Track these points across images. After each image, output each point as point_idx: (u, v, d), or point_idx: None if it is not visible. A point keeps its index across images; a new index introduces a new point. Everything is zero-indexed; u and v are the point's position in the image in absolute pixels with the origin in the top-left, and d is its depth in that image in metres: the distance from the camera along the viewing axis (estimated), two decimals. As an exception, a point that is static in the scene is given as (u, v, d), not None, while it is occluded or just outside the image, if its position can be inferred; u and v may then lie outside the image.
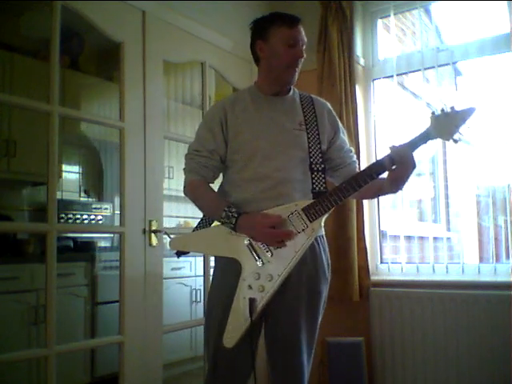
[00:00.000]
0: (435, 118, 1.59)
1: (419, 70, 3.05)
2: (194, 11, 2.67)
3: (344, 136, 1.87)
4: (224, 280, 1.71)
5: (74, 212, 3.73)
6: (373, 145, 3.20)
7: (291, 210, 1.63)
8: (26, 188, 3.55)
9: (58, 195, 3.63)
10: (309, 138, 1.74)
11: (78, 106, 3.44)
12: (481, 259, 4.19)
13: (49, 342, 1.99)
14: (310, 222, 1.62)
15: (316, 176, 1.72)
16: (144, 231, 2.36)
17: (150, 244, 2.37)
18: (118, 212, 2.41)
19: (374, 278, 2.97)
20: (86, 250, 3.53)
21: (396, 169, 1.65)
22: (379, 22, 3.29)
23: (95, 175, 4.15)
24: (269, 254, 1.62)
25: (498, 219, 4.06)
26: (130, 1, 2.36)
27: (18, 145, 3.22)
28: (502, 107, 3.24)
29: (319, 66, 3.03)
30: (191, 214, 4.10)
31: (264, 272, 1.60)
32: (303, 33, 1.77)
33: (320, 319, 1.78)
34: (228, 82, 2.96)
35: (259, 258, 1.62)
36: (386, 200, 3.30)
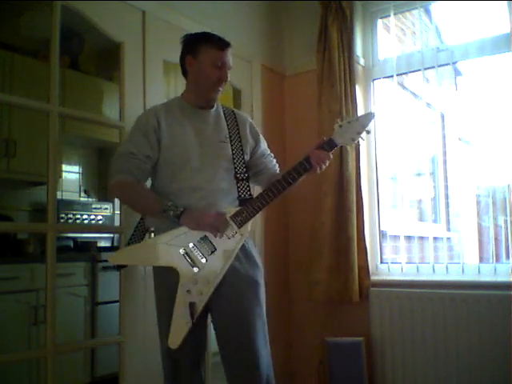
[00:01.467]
0: (339, 127, 1.81)
1: (419, 70, 3.05)
2: (193, 11, 2.67)
3: (264, 144, 2.08)
4: (165, 288, 1.84)
5: (74, 212, 3.73)
6: (373, 145, 3.20)
7: None
8: (26, 188, 3.55)
9: (58, 195, 3.67)
10: (233, 150, 1.90)
11: (78, 106, 3.44)
12: (481, 259, 4.19)
13: (49, 342, 1.99)
14: (238, 227, 1.78)
15: (241, 185, 1.89)
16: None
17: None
18: (118, 212, 2.41)
19: (373, 278, 2.97)
20: (86, 249, 3.53)
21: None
22: (379, 21, 3.29)
23: (95, 175, 4.15)
24: (203, 261, 1.77)
25: (498, 219, 4.05)
26: (130, 1, 2.36)
27: (18, 145, 3.22)
28: (502, 107, 3.24)
29: (319, 66, 3.03)
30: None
31: (201, 277, 1.75)
32: (230, 58, 1.90)
33: (264, 306, 1.89)
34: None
35: (195, 264, 1.76)
36: (385, 200, 3.30)
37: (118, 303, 2.28)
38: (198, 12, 2.69)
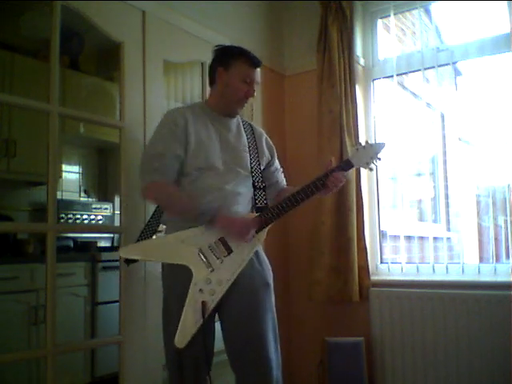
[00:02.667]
0: (356, 150, 1.93)
1: (419, 70, 3.05)
2: (193, 11, 2.67)
3: (277, 160, 2.16)
4: (176, 286, 1.85)
5: (74, 212, 3.73)
6: (373, 145, 3.20)
7: None
8: (26, 188, 3.55)
9: (58, 195, 3.67)
10: (251, 159, 1.98)
11: (78, 106, 3.44)
12: (481, 259, 4.19)
13: (49, 342, 1.99)
14: (256, 232, 1.83)
15: (258, 193, 1.96)
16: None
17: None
18: (118, 212, 2.41)
19: (373, 278, 2.97)
20: (86, 249, 3.53)
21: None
22: (379, 21, 3.29)
23: (95, 175, 4.15)
24: (219, 262, 1.79)
25: (498, 219, 4.05)
26: (130, 1, 2.36)
27: (18, 145, 3.22)
28: (502, 107, 3.24)
29: (319, 66, 3.03)
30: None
31: (214, 277, 1.78)
32: (259, 76, 1.97)
33: (275, 309, 1.92)
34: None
35: (210, 265, 1.78)
36: (385, 200, 3.30)
37: (118, 303, 2.28)
38: (198, 12, 2.70)
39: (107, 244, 3.94)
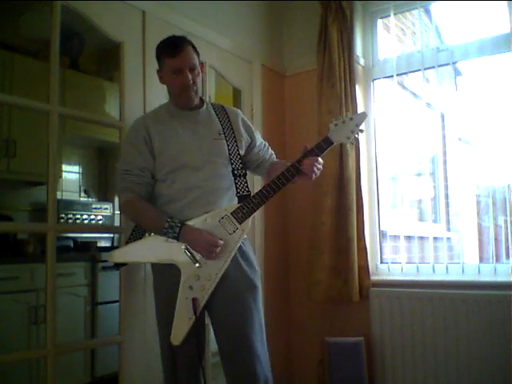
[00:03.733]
0: (334, 126, 1.88)
1: (419, 70, 3.05)
2: (194, 11, 2.67)
3: (259, 137, 2.09)
4: (166, 285, 1.84)
5: (74, 212, 3.73)
6: (373, 145, 3.20)
7: (221, 214, 1.80)
8: (26, 188, 3.55)
9: (58, 195, 3.67)
10: (228, 146, 1.90)
11: (78, 106, 3.44)
12: (481, 259, 4.19)
13: (49, 342, 1.99)
14: (240, 223, 1.80)
15: (239, 181, 1.90)
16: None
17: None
18: (118, 212, 2.41)
19: (373, 278, 2.97)
20: (86, 250, 3.53)
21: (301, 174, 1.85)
22: (379, 21, 3.29)
23: (95, 175, 4.15)
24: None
25: (498, 219, 4.05)
26: (130, 1, 2.36)
27: (18, 145, 3.23)
28: (502, 107, 3.24)
29: (319, 66, 3.03)
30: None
31: (203, 273, 1.77)
32: (189, 56, 1.85)
33: (262, 308, 1.90)
34: (228, 81, 2.96)
35: (196, 260, 1.77)
36: (385, 200, 3.30)
37: (118, 303, 2.28)
38: (198, 12, 2.69)
39: (107, 244, 3.94)
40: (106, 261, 3.25)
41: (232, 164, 1.90)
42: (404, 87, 3.85)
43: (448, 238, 3.66)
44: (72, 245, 3.65)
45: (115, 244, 3.92)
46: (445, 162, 4.13)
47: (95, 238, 3.86)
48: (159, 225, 1.76)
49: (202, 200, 1.82)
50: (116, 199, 3.94)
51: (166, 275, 1.83)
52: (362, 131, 1.90)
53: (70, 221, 3.68)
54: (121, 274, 2.26)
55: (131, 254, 1.89)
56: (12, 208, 3.41)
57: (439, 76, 3.04)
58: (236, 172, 1.90)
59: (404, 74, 3.16)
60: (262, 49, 3.20)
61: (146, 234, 1.93)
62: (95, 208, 3.90)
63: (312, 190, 2.92)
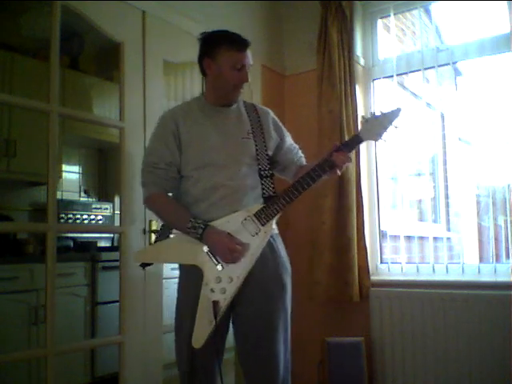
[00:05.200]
0: (366, 122, 1.77)
1: (419, 70, 3.05)
2: (194, 11, 2.67)
3: (289, 138, 2.01)
4: (188, 286, 1.81)
5: (74, 212, 3.73)
6: (373, 145, 3.20)
7: (244, 216, 1.75)
8: (26, 188, 3.55)
9: (58, 195, 3.67)
10: (256, 146, 1.84)
11: (78, 106, 3.44)
12: (481, 259, 4.19)
13: (49, 341, 1.99)
14: (262, 225, 1.74)
15: (265, 182, 1.83)
16: (144, 231, 2.36)
17: (150, 244, 2.37)
18: (118, 212, 2.41)
19: (373, 277, 2.97)
20: (86, 249, 3.53)
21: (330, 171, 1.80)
22: (379, 21, 3.29)
23: (95, 175, 4.15)
24: None
25: (498, 219, 4.06)
26: (130, 1, 2.36)
27: (18, 145, 3.22)
28: (502, 107, 3.24)
29: (319, 66, 3.03)
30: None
31: (224, 275, 1.72)
32: (250, 56, 1.83)
33: (290, 311, 1.86)
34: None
35: (219, 262, 1.72)
36: (385, 200, 3.30)
37: (118, 303, 2.28)
38: (198, 12, 2.70)
39: (107, 244, 3.94)
40: (106, 261, 3.26)
41: (259, 164, 1.84)
42: (404, 87, 3.85)
43: (448, 238, 3.66)
44: (72, 245, 3.65)
45: (115, 244, 3.92)
46: (445, 162, 4.13)
47: (95, 237, 3.86)
48: (183, 224, 1.74)
49: (227, 199, 1.77)
50: (116, 199, 3.94)
51: (190, 276, 1.80)
52: (396, 128, 1.76)
53: (70, 221, 3.68)
54: (121, 274, 2.27)
55: (156, 254, 1.87)
56: (12, 208, 3.41)
57: (439, 76, 3.04)
58: (262, 173, 1.84)
59: (404, 74, 3.16)
60: (262, 49, 3.20)
61: (174, 234, 1.88)
62: (95, 208, 3.90)
63: (312, 190, 2.91)
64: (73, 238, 3.66)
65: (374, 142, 1.83)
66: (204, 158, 1.80)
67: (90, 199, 4.04)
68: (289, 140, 2.00)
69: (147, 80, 2.42)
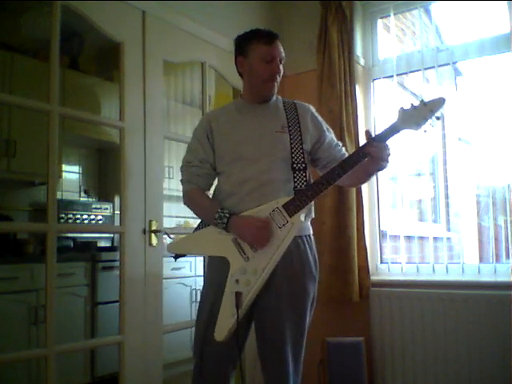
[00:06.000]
0: (403, 112, 1.71)
1: (419, 70, 3.04)
2: (194, 11, 2.67)
3: (331, 134, 1.99)
4: (213, 278, 1.83)
5: (74, 212, 3.73)
6: (373, 145, 3.20)
7: (273, 207, 1.74)
8: (26, 188, 3.55)
9: (58, 195, 3.67)
10: (291, 139, 1.84)
11: (78, 106, 3.44)
12: (481, 259, 4.19)
13: (49, 341, 1.99)
14: (290, 217, 1.72)
15: (298, 175, 1.81)
16: (144, 231, 2.36)
17: (150, 244, 2.37)
18: (118, 212, 2.41)
19: (373, 277, 2.97)
20: (86, 249, 3.53)
21: (368, 161, 1.75)
22: (379, 21, 3.29)
23: (95, 175, 4.15)
24: (253, 250, 1.72)
25: (498, 219, 4.06)
26: (130, 1, 2.36)
27: (18, 145, 3.22)
28: (502, 107, 3.24)
29: (319, 66, 3.03)
30: (191, 214, 4.10)
31: (249, 267, 1.71)
32: (281, 49, 1.86)
33: (309, 317, 1.83)
34: (228, 81, 2.96)
35: (245, 253, 1.73)
36: (385, 200, 3.30)
37: (118, 303, 2.28)
38: (198, 12, 2.70)
39: (107, 244, 3.94)
40: (106, 261, 3.26)
41: (293, 157, 1.82)
42: (404, 87, 3.85)
43: (448, 238, 3.67)
44: (72, 245, 3.65)
45: (115, 244, 3.92)
46: (445, 162, 4.14)
47: (95, 237, 3.86)
48: (211, 215, 1.76)
49: (258, 192, 1.78)
50: (116, 199, 3.94)
51: (217, 268, 1.79)
52: (438, 119, 1.69)
53: (70, 221, 3.68)
54: (121, 274, 2.26)
55: (187, 245, 1.90)
56: (12, 208, 3.41)
57: (439, 76, 3.04)
58: (295, 166, 1.81)
59: (404, 74, 3.16)
60: (262, 49, 3.20)
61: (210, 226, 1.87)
62: (95, 208, 3.90)
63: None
64: (73, 238, 3.66)
65: (413, 131, 1.74)
66: (235, 152, 1.83)
67: (90, 199, 4.04)
68: (330, 136, 1.98)
69: (147, 80, 2.42)
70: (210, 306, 1.76)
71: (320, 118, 1.99)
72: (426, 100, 1.69)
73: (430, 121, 1.69)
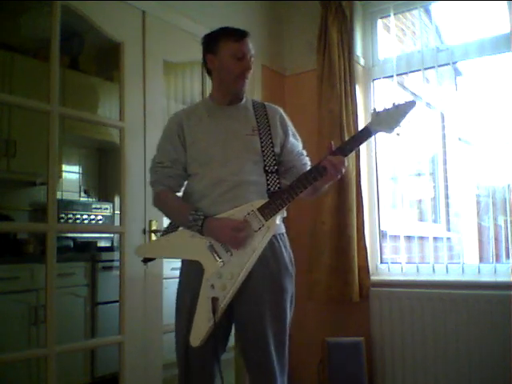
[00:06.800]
0: (376, 114, 1.73)
1: (419, 70, 3.05)
2: (194, 11, 2.67)
3: (295, 139, 1.97)
4: (188, 282, 1.80)
5: (74, 212, 3.73)
6: (373, 145, 3.20)
7: (248, 210, 1.73)
8: (26, 188, 3.55)
9: (58, 195, 3.66)
10: (262, 142, 1.84)
11: (78, 106, 3.44)
12: (481, 259, 4.19)
13: (49, 341, 1.99)
14: (266, 220, 1.71)
15: (270, 177, 1.81)
16: (144, 231, 2.36)
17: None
18: (118, 212, 2.41)
19: (373, 277, 2.97)
20: (86, 249, 3.53)
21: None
22: (379, 21, 3.29)
23: (95, 175, 4.15)
24: (229, 254, 1.71)
25: (497, 219, 4.06)
26: (130, 1, 2.36)
27: (18, 145, 3.22)
28: (502, 107, 3.24)
29: (319, 66, 3.03)
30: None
31: (225, 271, 1.69)
32: (250, 46, 1.85)
33: (290, 315, 1.85)
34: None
35: (220, 258, 1.71)
36: (385, 200, 3.30)
37: (118, 303, 2.28)
38: (198, 12, 2.70)
39: (107, 244, 3.93)
40: (106, 261, 3.26)
41: (264, 160, 1.82)
42: (404, 87, 3.85)
43: (448, 238, 3.66)
44: (72, 245, 3.65)
45: (115, 244, 3.91)
46: (445, 162, 4.13)
47: (95, 238, 3.85)
48: (184, 218, 1.74)
49: (230, 194, 1.76)
50: (116, 199, 3.94)
51: (191, 272, 1.77)
52: (409, 122, 1.73)
53: (70, 221, 3.68)
54: (121, 274, 2.26)
55: (157, 249, 1.88)
56: (12, 208, 3.41)
57: (439, 76, 3.04)
58: (268, 168, 1.82)
59: (404, 74, 3.16)
60: (261, 49, 3.20)
61: (180, 229, 1.86)
62: (95, 208, 3.90)
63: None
64: (73, 238, 3.66)
65: (386, 134, 1.77)
66: (207, 154, 1.81)
67: (90, 199, 4.04)
68: (294, 142, 1.97)
69: (147, 80, 2.42)
70: (188, 313, 1.73)
71: (288, 122, 1.99)
72: (398, 103, 1.72)
73: (402, 124, 1.72)
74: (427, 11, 3.41)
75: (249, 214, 1.72)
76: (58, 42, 2.09)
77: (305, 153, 2.00)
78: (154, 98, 2.47)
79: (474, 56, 2.90)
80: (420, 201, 4.08)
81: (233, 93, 1.88)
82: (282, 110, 1.98)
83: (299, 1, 3.31)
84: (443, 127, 4.23)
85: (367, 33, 3.27)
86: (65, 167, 3.83)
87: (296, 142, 1.98)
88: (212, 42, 1.85)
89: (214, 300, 1.66)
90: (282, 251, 1.82)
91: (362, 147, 3.03)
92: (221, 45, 1.82)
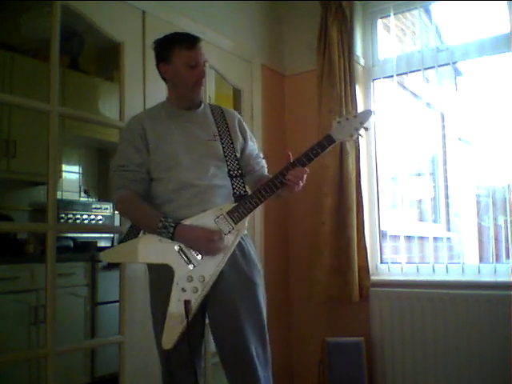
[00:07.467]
0: (337, 123, 1.81)
1: (419, 70, 3.05)
2: (194, 11, 2.67)
3: (253, 143, 2.02)
4: (159, 286, 1.80)
5: (74, 212, 3.73)
6: (373, 145, 3.20)
7: (217, 214, 1.76)
8: (26, 188, 3.55)
9: (58, 195, 3.67)
10: (224, 148, 1.87)
11: (78, 106, 3.44)
12: (481, 259, 4.19)
13: (49, 341, 1.99)
14: (235, 223, 1.76)
15: (235, 181, 1.86)
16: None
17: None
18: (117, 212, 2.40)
19: (373, 277, 2.97)
20: (86, 250, 3.53)
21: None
22: (379, 21, 3.29)
23: (95, 175, 4.15)
24: (199, 257, 1.73)
25: (497, 219, 4.05)
26: (130, 1, 2.36)
27: (18, 145, 3.22)
28: (502, 107, 3.24)
29: (319, 66, 3.03)
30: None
31: (196, 274, 1.72)
32: (203, 51, 1.86)
33: (265, 309, 1.85)
34: (228, 82, 2.96)
35: (190, 261, 1.73)
36: (385, 200, 3.30)
37: (118, 303, 2.28)
38: (198, 12, 2.70)
39: (107, 244, 3.93)
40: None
41: (228, 165, 1.86)
42: (404, 87, 3.85)
43: (448, 238, 3.66)
44: (72, 245, 3.65)
45: (115, 244, 3.91)
46: (445, 162, 4.13)
47: (95, 238, 3.86)
48: (153, 224, 1.72)
49: (197, 199, 1.78)
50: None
51: (162, 275, 1.78)
52: (366, 129, 1.84)
53: (70, 221, 3.68)
54: (121, 274, 2.27)
55: (124, 253, 1.84)
56: (12, 208, 3.41)
57: (439, 76, 3.04)
58: (232, 173, 1.86)
59: (404, 74, 3.16)
60: (262, 49, 3.20)
61: (141, 233, 1.87)
62: (95, 208, 3.90)
63: (312, 190, 2.92)
64: (73, 238, 3.66)
65: (344, 141, 1.94)
66: (172, 159, 1.81)
67: (89, 199, 4.05)
68: (252, 145, 2.01)
69: (147, 80, 2.42)
70: (162, 316, 1.73)
71: (245, 126, 2.02)
72: (356, 113, 1.86)
73: (359, 131, 1.82)
74: (427, 11, 3.41)
75: (218, 217, 1.75)
76: (58, 42, 2.09)
77: (261, 155, 2.06)
78: (154, 98, 2.45)
79: (474, 56, 2.90)
80: (420, 201, 4.08)
81: (189, 100, 1.90)
82: (239, 115, 2.02)
83: (299, 1, 3.31)
84: (443, 127, 4.24)
85: (367, 33, 3.27)
86: (65, 167, 3.83)
87: (254, 146, 2.02)
88: (164, 50, 1.85)
89: (187, 303, 1.67)
90: (249, 250, 1.86)
91: (362, 147, 3.03)
92: (173, 53, 1.82)
